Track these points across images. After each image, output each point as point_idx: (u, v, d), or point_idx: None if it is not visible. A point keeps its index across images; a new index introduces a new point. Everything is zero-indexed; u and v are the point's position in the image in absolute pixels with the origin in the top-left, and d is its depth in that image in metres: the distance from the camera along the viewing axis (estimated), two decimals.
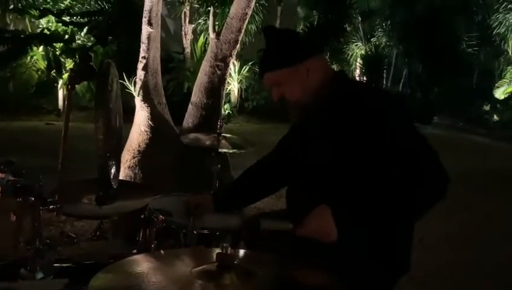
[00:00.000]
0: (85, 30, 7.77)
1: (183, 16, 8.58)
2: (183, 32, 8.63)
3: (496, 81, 10.45)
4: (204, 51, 7.74)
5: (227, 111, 8.28)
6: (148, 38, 3.38)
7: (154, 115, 3.47)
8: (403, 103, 1.59)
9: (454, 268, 3.19)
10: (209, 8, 6.74)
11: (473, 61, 10.50)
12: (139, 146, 3.44)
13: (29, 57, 7.61)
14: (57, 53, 7.46)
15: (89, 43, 7.77)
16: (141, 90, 3.43)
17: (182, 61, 8.63)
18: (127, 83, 3.84)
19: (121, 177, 2.92)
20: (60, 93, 7.59)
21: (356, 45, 10.15)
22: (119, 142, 2.01)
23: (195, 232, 1.72)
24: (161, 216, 1.77)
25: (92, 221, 2.78)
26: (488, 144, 8.60)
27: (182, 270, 1.14)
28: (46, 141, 5.28)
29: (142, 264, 1.20)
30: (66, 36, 7.56)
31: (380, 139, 1.44)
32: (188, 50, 8.64)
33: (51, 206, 1.53)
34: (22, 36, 7.45)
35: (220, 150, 2.58)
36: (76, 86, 1.83)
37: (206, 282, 1.09)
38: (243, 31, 3.63)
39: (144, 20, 3.37)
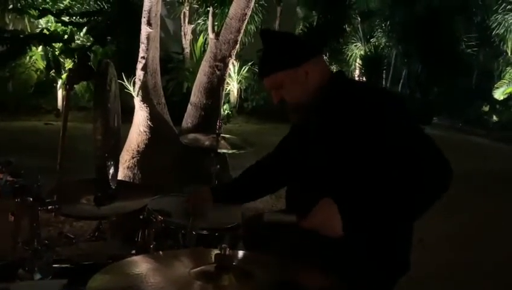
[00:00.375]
0: (84, 30, 7.77)
1: (182, 16, 8.58)
2: (182, 33, 8.64)
3: (495, 81, 10.46)
4: (203, 51, 7.74)
5: (226, 111, 8.28)
6: (148, 38, 3.38)
7: (154, 115, 3.47)
8: (402, 102, 1.58)
9: (454, 268, 3.19)
10: (208, 9, 6.73)
11: (472, 61, 10.51)
12: (138, 146, 3.44)
13: (28, 57, 7.61)
14: (56, 53, 7.46)
15: (88, 43, 7.77)
16: (140, 91, 3.43)
17: (181, 61, 8.63)
18: (126, 83, 3.84)
19: (120, 178, 2.92)
20: (59, 93, 7.58)
21: (355, 46, 10.16)
22: (118, 143, 2.00)
23: (194, 232, 1.72)
24: (160, 217, 1.77)
25: (90, 222, 2.77)
26: (487, 145, 8.60)
27: (181, 271, 1.14)
28: (45, 141, 5.28)
29: (141, 265, 1.20)
30: (65, 36, 7.56)
31: (378, 138, 1.44)
32: (187, 50, 8.64)
33: (49, 207, 1.52)
34: (21, 36, 7.45)
35: (219, 151, 2.58)
36: (76, 86, 1.83)
37: (204, 283, 1.09)
38: (242, 31, 3.64)
39: (143, 20, 3.37)
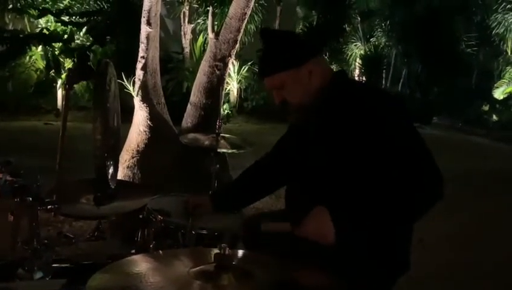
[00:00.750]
0: (84, 30, 7.77)
1: (182, 16, 8.58)
2: (182, 32, 8.64)
3: (495, 81, 10.46)
4: (203, 51, 7.74)
5: (226, 111, 8.28)
6: (147, 38, 3.37)
7: (153, 115, 3.46)
8: (402, 103, 1.58)
9: (454, 268, 3.19)
10: (208, 8, 6.73)
11: (472, 61, 10.52)
12: (137, 146, 3.44)
13: (28, 57, 7.61)
14: (56, 53, 7.46)
15: (88, 43, 7.77)
16: (140, 90, 3.42)
17: (181, 61, 8.63)
18: (126, 82, 3.83)
19: (119, 177, 2.92)
20: (59, 93, 7.58)
21: (355, 45, 10.16)
22: (117, 142, 2.00)
23: (193, 232, 1.72)
24: (159, 216, 1.77)
25: (90, 221, 2.77)
26: (487, 145, 8.60)
27: (180, 270, 1.14)
28: (45, 141, 5.27)
29: (140, 264, 1.20)
30: (65, 36, 7.56)
31: (378, 140, 1.44)
32: (187, 50, 8.64)
33: (48, 207, 1.52)
34: (21, 36, 7.45)
35: (218, 150, 2.57)
36: (75, 85, 1.83)
37: (204, 282, 1.09)
38: (242, 30, 3.63)
39: (143, 20, 3.37)
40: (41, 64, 7.66)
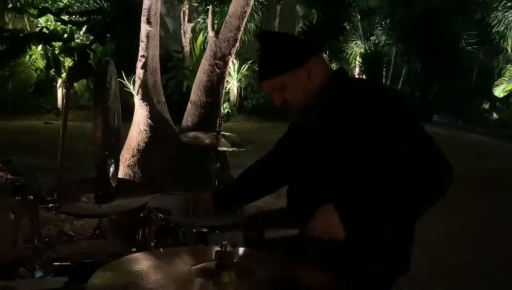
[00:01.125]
0: (84, 29, 7.76)
1: (182, 15, 8.58)
2: (182, 31, 8.63)
3: (495, 79, 10.45)
4: (203, 50, 7.74)
5: (226, 110, 8.29)
6: (147, 37, 3.37)
7: (154, 114, 3.46)
8: (402, 100, 1.58)
9: (454, 268, 3.19)
10: (208, 7, 6.73)
11: (472, 59, 10.51)
12: (138, 145, 3.44)
13: (28, 56, 7.61)
14: (56, 52, 7.45)
15: (88, 42, 7.76)
16: (140, 89, 3.42)
17: (181, 60, 8.62)
18: (126, 81, 3.84)
19: (120, 176, 2.92)
20: (59, 93, 7.58)
21: (355, 44, 10.15)
22: (118, 141, 2.00)
23: (194, 230, 1.72)
24: (160, 215, 1.77)
25: (91, 220, 2.77)
26: (487, 143, 8.60)
27: (181, 268, 1.14)
28: (45, 140, 5.29)
29: (141, 262, 1.20)
30: (65, 35, 7.54)
31: (379, 137, 1.44)
32: (187, 49, 8.64)
33: (49, 205, 1.52)
34: (21, 35, 7.43)
35: (219, 149, 2.57)
36: (75, 85, 1.83)
37: (205, 280, 1.09)
38: (241, 29, 3.62)
39: (143, 18, 3.37)
40: (41, 63, 7.66)
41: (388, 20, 10.14)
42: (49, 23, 7.67)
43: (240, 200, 1.94)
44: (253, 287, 1.11)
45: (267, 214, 2.03)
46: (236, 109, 8.82)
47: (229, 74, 8.19)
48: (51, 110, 7.56)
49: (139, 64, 3.43)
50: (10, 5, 7.66)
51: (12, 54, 7.33)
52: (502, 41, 10.19)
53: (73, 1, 7.97)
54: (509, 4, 9.74)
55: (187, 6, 8.48)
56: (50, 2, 7.77)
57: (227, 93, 8.59)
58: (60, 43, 7.44)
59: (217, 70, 3.62)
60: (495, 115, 10.24)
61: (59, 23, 7.57)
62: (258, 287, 1.12)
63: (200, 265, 1.14)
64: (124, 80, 3.78)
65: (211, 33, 3.71)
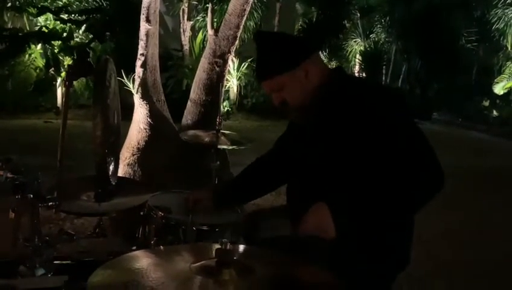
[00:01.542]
0: (83, 28, 7.76)
1: (181, 13, 8.58)
2: (181, 30, 8.63)
3: (495, 76, 10.45)
4: (203, 48, 7.74)
5: (226, 108, 8.28)
6: (147, 35, 3.37)
7: (153, 112, 3.46)
8: (402, 98, 1.59)
9: (453, 265, 3.19)
10: (207, 5, 6.73)
11: (472, 57, 10.50)
12: (138, 143, 3.44)
13: (27, 55, 7.60)
14: (55, 51, 7.45)
15: (87, 41, 7.76)
16: (140, 88, 3.42)
17: (180, 58, 8.62)
18: (125, 80, 3.83)
19: (120, 175, 2.92)
20: (59, 91, 7.58)
21: (355, 41, 10.15)
22: (118, 139, 2.00)
23: (194, 228, 1.72)
24: (160, 213, 1.77)
25: (91, 218, 2.78)
26: (487, 140, 8.60)
27: (181, 266, 1.14)
28: (45, 139, 5.28)
29: (142, 260, 1.20)
30: (64, 34, 7.55)
31: (377, 135, 1.44)
32: (186, 47, 8.64)
33: (49, 204, 1.52)
34: (20, 34, 7.43)
35: (219, 147, 2.57)
36: (75, 83, 1.83)
37: (205, 278, 1.09)
38: (241, 27, 3.62)
39: (142, 17, 3.36)
40: (40, 62, 7.65)
41: (388, 18, 10.13)
42: (48, 22, 7.67)
43: (240, 199, 1.94)
44: (253, 284, 1.11)
45: (266, 212, 2.04)
46: (236, 107, 8.82)
47: (229, 72, 8.19)
48: (50, 109, 7.56)
49: (139, 62, 3.42)
50: (9, 4, 7.66)
51: (11, 53, 7.33)
52: (501, 39, 10.19)
53: (72, 0, 7.96)
54: (509, 1, 9.74)
55: (186, 5, 8.47)
56: (49, 1, 7.77)
57: (227, 91, 8.58)
58: (60, 42, 7.45)
59: (217, 69, 3.61)
60: (495, 113, 10.24)
61: (58, 22, 7.58)
62: (258, 284, 1.12)
63: (200, 263, 1.14)
64: (123, 78, 3.77)
65: (210, 31, 3.71)
